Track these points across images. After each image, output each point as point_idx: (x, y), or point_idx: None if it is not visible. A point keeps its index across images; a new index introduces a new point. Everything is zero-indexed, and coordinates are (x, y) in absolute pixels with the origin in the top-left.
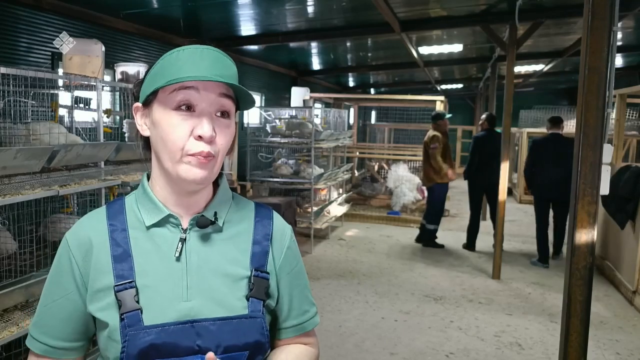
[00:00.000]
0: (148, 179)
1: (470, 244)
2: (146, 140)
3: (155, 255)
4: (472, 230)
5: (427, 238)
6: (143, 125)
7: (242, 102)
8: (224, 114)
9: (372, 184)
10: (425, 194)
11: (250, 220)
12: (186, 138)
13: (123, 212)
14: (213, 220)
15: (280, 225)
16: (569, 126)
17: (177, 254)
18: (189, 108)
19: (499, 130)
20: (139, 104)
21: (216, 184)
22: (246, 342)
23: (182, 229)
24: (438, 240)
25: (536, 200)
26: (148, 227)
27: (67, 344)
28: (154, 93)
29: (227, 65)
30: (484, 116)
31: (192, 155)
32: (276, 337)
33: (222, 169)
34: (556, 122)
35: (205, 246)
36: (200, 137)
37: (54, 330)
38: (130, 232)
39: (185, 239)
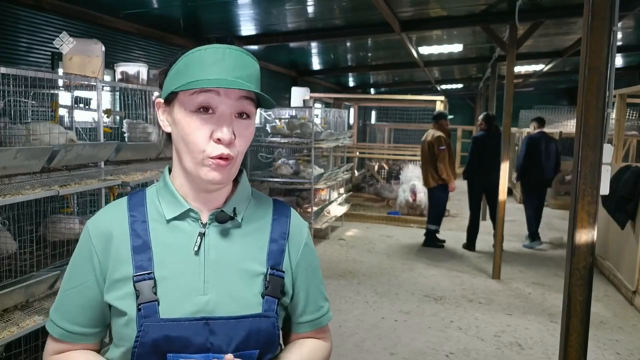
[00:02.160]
0: (170, 172)
1: (470, 244)
2: (168, 135)
3: (175, 248)
4: (472, 231)
5: (427, 237)
6: (165, 122)
7: (263, 101)
8: (243, 115)
9: (390, 185)
10: (416, 196)
11: (268, 218)
12: (206, 141)
13: (144, 204)
14: (232, 215)
15: (297, 223)
16: (569, 126)
17: (196, 248)
18: (209, 110)
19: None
20: (160, 100)
21: (236, 180)
22: (258, 341)
23: (201, 223)
24: (439, 240)
25: (529, 189)
26: (168, 221)
27: (85, 330)
28: (175, 92)
29: (249, 66)
30: (481, 117)
31: (212, 158)
32: (292, 331)
33: (242, 166)
34: (543, 122)
35: (224, 241)
36: (219, 140)
37: (72, 315)
38: (151, 224)
39: (204, 234)
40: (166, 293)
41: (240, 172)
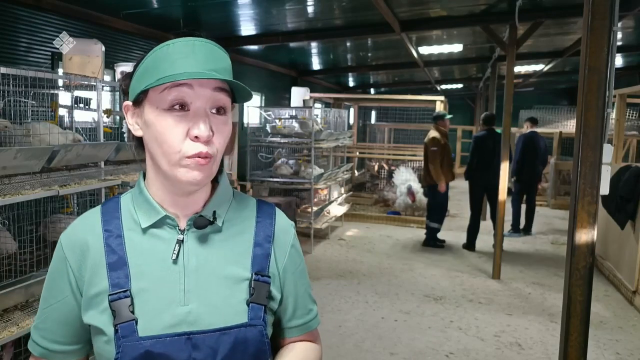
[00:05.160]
0: (144, 177)
1: (470, 244)
2: (139, 140)
3: (152, 258)
4: (472, 231)
5: (427, 236)
6: (135, 125)
7: (238, 95)
8: (220, 110)
9: (392, 187)
10: (415, 197)
11: (252, 220)
12: (182, 140)
13: (118, 214)
14: (212, 220)
15: (282, 224)
16: (569, 126)
17: (174, 257)
18: (183, 107)
19: (498, 130)
20: (129, 103)
21: (215, 181)
22: (245, 352)
23: (179, 230)
24: (439, 239)
25: (519, 188)
26: (144, 229)
27: (66, 347)
28: (145, 91)
29: (220, 58)
30: (482, 116)
31: (190, 157)
32: (281, 336)
33: (222, 166)
34: (536, 121)
35: (204, 247)
36: (197, 138)
37: (52, 334)
38: (126, 233)
39: (182, 241)
40: (145, 306)
41: (219, 172)
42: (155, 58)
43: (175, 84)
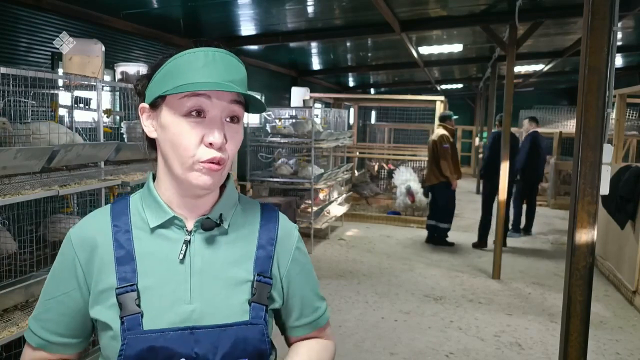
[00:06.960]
0: (154, 178)
1: (481, 239)
2: (151, 141)
3: (159, 257)
4: (484, 227)
5: (438, 236)
6: (150, 127)
7: (252, 106)
8: (234, 119)
9: (371, 184)
10: (415, 197)
11: (256, 223)
12: (197, 145)
13: (127, 213)
14: (218, 222)
15: (286, 227)
16: (569, 126)
17: (181, 257)
18: (200, 114)
19: (494, 130)
20: (145, 105)
21: (222, 186)
22: (245, 350)
23: (186, 230)
24: (448, 239)
25: (521, 188)
26: (152, 229)
27: (64, 340)
28: (163, 96)
29: (238, 70)
30: (498, 117)
31: (203, 162)
32: (290, 334)
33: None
34: (537, 121)
35: (210, 249)
36: (211, 145)
37: (52, 325)
38: (134, 232)
39: (189, 241)
40: (150, 303)
41: (227, 177)
42: (176, 65)
43: (194, 93)
